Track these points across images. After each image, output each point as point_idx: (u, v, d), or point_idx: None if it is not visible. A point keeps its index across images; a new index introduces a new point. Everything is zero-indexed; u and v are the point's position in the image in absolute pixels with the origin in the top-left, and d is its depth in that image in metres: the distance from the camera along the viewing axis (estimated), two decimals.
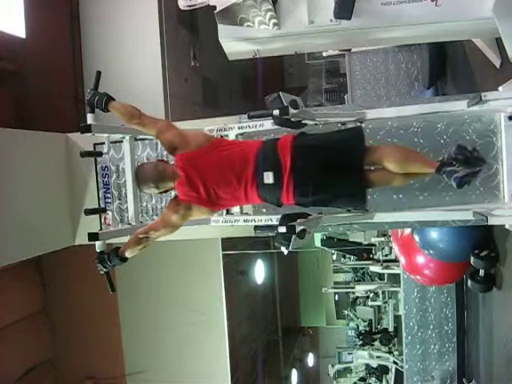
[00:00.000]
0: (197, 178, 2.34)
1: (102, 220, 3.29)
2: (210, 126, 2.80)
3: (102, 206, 3.40)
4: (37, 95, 4.77)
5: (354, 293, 9.62)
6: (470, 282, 3.97)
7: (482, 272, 3.83)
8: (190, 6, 3.01)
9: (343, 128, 2.53)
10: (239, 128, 2.70)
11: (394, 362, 7.55)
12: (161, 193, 2.46)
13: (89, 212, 2.82)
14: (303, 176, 2.28)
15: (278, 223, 2.25)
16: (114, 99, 2.46)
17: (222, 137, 2.80)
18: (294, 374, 12.73)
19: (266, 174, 2.29)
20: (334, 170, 2.26)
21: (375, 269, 7.74)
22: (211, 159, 2.35)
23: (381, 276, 8.27)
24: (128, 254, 2.38)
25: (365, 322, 9.48)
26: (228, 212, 2.93)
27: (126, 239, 2.74)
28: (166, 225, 2.38)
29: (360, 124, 2.58)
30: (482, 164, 2.21)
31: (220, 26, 2.89)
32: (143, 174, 2.38)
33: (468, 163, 2.17)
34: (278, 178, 2.28)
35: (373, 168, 2.38)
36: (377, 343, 8.44)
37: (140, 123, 2.40)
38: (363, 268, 9.22)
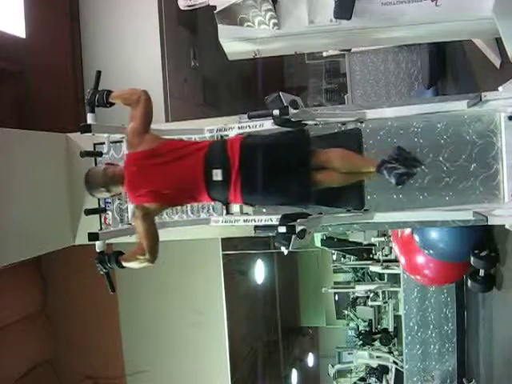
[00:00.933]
0: (141, 178, 2.35)
1: (102, 220, 3.29)
2: (209, 125, 2.80)
3: (102, 206, 3.40)
4: (37, 95, 4.77)
5: (354, 293, 9.62)
6: (470, 282, 3.97)
7: (481, 272, 3.83)
8: (190, 6, 3.02)
9: (291, 130, 2.54)
10: (239, 128, 2.70)
11: (394, 362, 7.55)
12: (113, 196, 2.48)
13: (89, 212, 2.82)
14: (251, 175, 2.32)
15: (278, 223, 2.25)
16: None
17: (222, 138, 2.80)
18: (294, 374, 12.73)
19: (214, 171, 2.32)
20: (281, 171, 2.32)
21: (375, 269, 7.74)
22: (159, 161, 2.35)
23: (381, 276, 8.27)
24: (126, 265, 2.38)
25: (365, 322, 9.47)
26: (228, 212, 2.94)
27: (126, 239, 2.75)
28: (140, 235, 2.32)
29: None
30: (419, 165, 2.40)
31: (220, 26, 2.89)
32: (93, 179, 2.39)
33: (406, 164, 2.30)
34: (227, 175, 2.31)
35: (319, 168, 2.43)
36: (377, 343, 8.43)
37: (135, 103, 2.38)
38: (363, 268, 9.21)
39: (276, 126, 2.41)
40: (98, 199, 3.44)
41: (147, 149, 2.36)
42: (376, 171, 2.33)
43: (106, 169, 2.43)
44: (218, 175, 2.32)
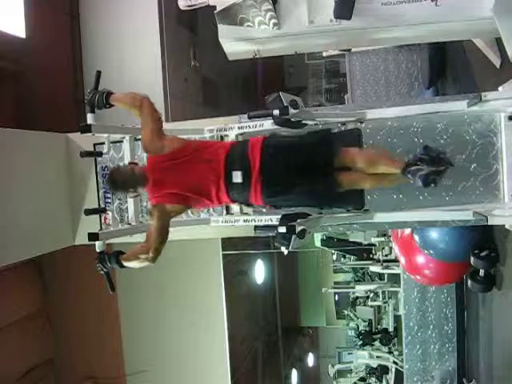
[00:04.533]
0: (164, 180, 2.34)
1: (102, 220, 3.29)
2: (209, 125, 2.81)
3: (102, 206, 3.40)
4: (37, 95, 4.77)
5: (354, 293, 9.62)
6: (470, 282, 3.97)
7: (481, 272, 3.83)
8: (189, 5, 3.02)
9: (314, 130, 2.52)
10: (239, 128, 2.70)
11: (394, 362, 7.55)
12: (134, 196, 2.48)
13: (89, 212, 2.82)
14: (271, 176, 2.30)
15: (278, 223, 2.25)
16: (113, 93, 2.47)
17: (222, 137, 2.81)
18: (294, 374, 12.74)
19: (234, 173, 2.30)
20: (303, 171, 2.28)
21: (375, 269, 7.74)
22: (181, 162, 2.34)
23: (381, 276, 8.28)
24: (127, 265, 2.39)
25: (365, 322, 9.48)
26: (228, 212, 2.94)
27: (126, 239, 2.75)
28: (153, 233, 2.33)
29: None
30: (448, 165, 2.23)
31: (220, 26, 2.89)
32: (121, 178, 2.37)
33: (433, 163, 2.19)
34: (247, 177, 2.29)
35: (343, 169, 2.39)
36: (377, 343, 8.44)
37: (139, 110, 2.37)
38: (363, 268, 9.22)
39: (276, 126, 2.41)
40: (98, 199, 3.45)
41: (169, 152, 2.34)
42: (401, 173, 2.26)
43: (134, 168, 2.41)
44: (237, 177, 2.30)
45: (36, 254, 3.59)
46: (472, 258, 3.78)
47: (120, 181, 2.37)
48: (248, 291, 9.67)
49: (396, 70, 5.84)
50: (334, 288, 11.09)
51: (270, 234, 2.41)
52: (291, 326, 13.69)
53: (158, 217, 2.32)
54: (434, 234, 4.06)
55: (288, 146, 2.36)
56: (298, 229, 2.15)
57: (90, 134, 2.50)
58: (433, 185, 2.16)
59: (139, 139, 3.14)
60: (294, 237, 2.14)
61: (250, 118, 2.48)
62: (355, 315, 9.79)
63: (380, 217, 2.61)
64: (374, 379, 8.81)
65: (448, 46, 4.99)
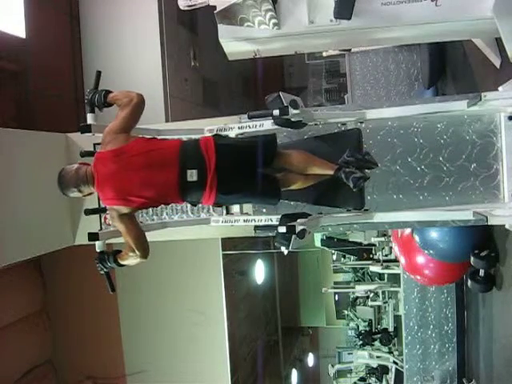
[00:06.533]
0: (109, 181, 2.31)
1: (102, 220, 3.29)
2: (209, 125, 2.80)
3: (102, 205, 3.40)
4: (37, 95, 4.77)
5: (354, 293, 9.62)
6: (470, 282, 3.97)
7: (481, 272, 3.83)
8: (190, 5, 3.02)
9: (258, 135, 2.58)
10: (239, 128, 2.70)
11: (394, 362, 7.54)
12: (85, 196, 2.45)
13: (89, 212, 2.81)
14: (226, 175, 2.33)
15: (278, 223, 2.25)
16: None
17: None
18: (294, 374, 12.74)
19: (189, 172, 2.30)
20: (249, 170, 2.37)
21: (375, 269, 7.74)
22: (126, 163, 2.31)
23: (381, 276, 8.27)
24: (124, 263, 2.39)
25: (365, 322, 9.48)
26: (228, 212, 2.94)
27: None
28: (123, 234, 2.34)
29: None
30: (374, 166, 2.38)
31: (220, 26, 2.89)
32: (64, 179, 2.35)
33: (359, 166, 2.31)
34: (202, 176, 2.30)
35: (282, 170, 2.51)
36: (377, 343, 8.43)
37: (127, 104, 2.36)
38: (363, 268, 9.22)
39: (276, 126, 2.42)
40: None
41: (115, 148, 2.32)
42: (334, 175, 2.37)
43: (78, 168, 2.38)
44: (193, 176, 2.30)
45: (36, 253, 3.60)
46: (472, 258, 3.78)
47: (63, 180, 2.35)
48: (248, 291, 9.67)
49: (396, 70, 5.85)
50: (334, 288, 11.08)
51: (270, 234, 2.41)
52: (291, 325, 13.69)
53: (117, 218, 2.32)
54: (434, 234, 4.05)
55: (237, 146, 2.44)
56: (298, 229, 2.15)
57: (90, 134, 2.49)
58: (355, 189, 2.31)
59: None
60: (293, 237, 2.14)
61: (250, 117, 2.48)
62: (355, 315, 9.78)
63: (380, 217, 2.60)
64: (374, 379, 8.79)
65: (448, 46, 4.98)
